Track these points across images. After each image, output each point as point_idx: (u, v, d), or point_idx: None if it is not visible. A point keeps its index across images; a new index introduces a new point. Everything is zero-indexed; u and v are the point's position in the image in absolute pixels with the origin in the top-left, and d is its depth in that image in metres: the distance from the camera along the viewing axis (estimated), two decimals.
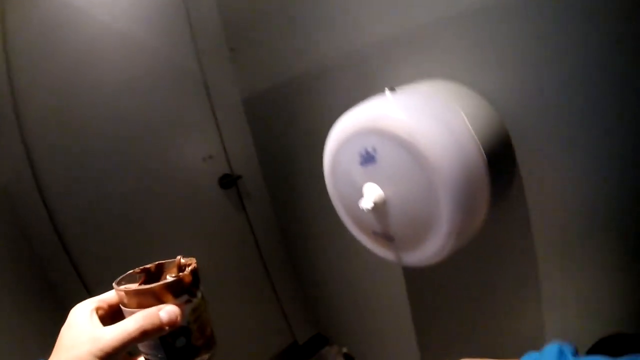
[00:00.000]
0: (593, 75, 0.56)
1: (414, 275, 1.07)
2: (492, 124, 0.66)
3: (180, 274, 0.42)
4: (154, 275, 0.47)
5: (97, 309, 0.42)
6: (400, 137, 0.54)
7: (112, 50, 1.42)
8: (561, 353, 0.41)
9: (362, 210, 0.59)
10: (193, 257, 0.46)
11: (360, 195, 0.61)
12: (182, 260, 0.46)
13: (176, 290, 0.41)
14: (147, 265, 0.46)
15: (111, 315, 0.44)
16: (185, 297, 0.42)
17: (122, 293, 0.41)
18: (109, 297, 0.44)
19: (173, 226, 1.54)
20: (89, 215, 1.39)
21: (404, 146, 0.54)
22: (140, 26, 1.47)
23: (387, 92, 0.63)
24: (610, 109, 0.55)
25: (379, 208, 0.60)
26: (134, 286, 0.44)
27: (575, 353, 0.42)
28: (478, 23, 0.66)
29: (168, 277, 0.43)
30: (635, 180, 0.56)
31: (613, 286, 0.65)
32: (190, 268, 0.43)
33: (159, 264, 0.47)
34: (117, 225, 1.44)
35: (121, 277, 0.44)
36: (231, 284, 1.68)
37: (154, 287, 0.40)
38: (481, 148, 0.59)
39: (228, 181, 1.61)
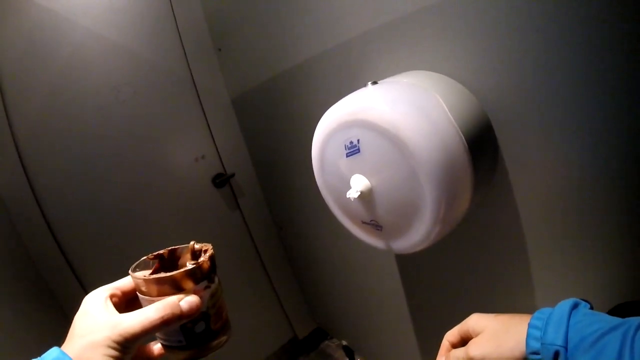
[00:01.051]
0: (574, 59, 0.57)
1: (407, 266, 1.09)
2: (472, 110, 0.68)
3: (200, 260, 0.43)
4: (167, 261, 0.47)
5: (112, 296, 0.43)
6: (381, 127, 0.55)
7: (100, 57, 1.43)
8: (575, 305, 0.42)
9: (350, 200, 0.61)
10: (208, 242, 0.46)
11: (348, 186, 0.63)
12: (197, 246, 0.46)
13: (196, 277, 0.41)
14: (160, 251, 0.47)
15: (125, 303, 0.45)
16: (204, 283, 0.42)
17: (141, 280, 0.41)
18: (123, 284, 0.45)
19: (168, 227, 1.56)
20: (84, 217, 1.41)
21: (386, 136, 0.56)
22: (127, 32, 1.48)
23: (369, 85, 0.65)
24: (593, 92, 0.56)
25: (366, 197, 0.61)
26: (147, 273, 0.45)
27: (591, 309, 0.42)
28: (457, 12, 0.68)
29: (188, 264, 0.43)
30: (619, 163, 0.58)
31: (601, 270, 0.66)
32: (208, 254, 0.44)
33: (172, 249, 0.47)
34: (111, 227, 1.45)
35: (135, 263, 0.45)
36: (229, 282, 1.70)
37: (175, 274, 0.40)
38: (461, 134, 0.60)
39: (221, 180, 1.63)
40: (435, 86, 0.66)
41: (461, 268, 0.92)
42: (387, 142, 0.56)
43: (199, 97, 1.60)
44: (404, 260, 1.09)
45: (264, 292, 1.86)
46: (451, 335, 0.52)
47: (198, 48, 1.59)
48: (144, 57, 1.50)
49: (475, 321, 0.49)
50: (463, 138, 0.60)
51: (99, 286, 0.44)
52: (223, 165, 1.66)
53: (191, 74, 1.58)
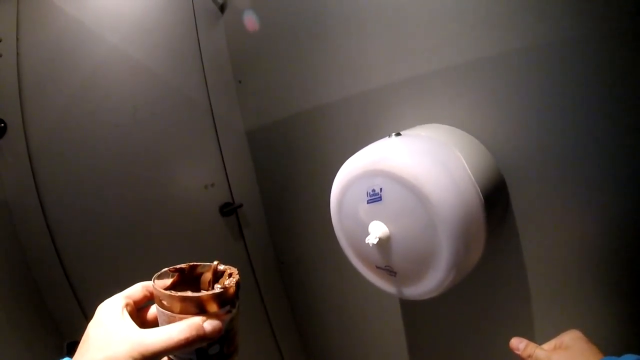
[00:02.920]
0: (584, 127, 0.62)
1: (411, 311, 1.10)
2: (488, 167, 0.71)
3: (227, 284, 0.43)
4: (187, 275, 0.47)
5: (126, 306, 0.42)
6: (405, 179, 0.58)
7: (122, 74, 1.47)
8: None
9: (367, 245, 0.63)
10: (234, 266, 0.47)
11: (365, 231, 0.65)
12: (220, 267, 0.47)
13: (221, 301, 0.42)
14: (182, 265, 0.47)
15: (136, 312, 0.44)
16: (227, 308, 0.42)
17: (166, 295, 0.41)
18: (135, 293, 0.45)
19: (171, 249, 1.56)
20: (88, 232, 1.41)
21: (409, 188, 0.58)
22: (151, 52, 1.52)
23: (393, 136, 0.68)
24: (604, 155, 0.61)
25: (383, 244, 0.64)
26: (166, 282, 0.45)
27: None
28: (478, 73, 0.72)
29: (216, 286, 0.44)
30: (627, 217, 0.61)
31: (608, 322, 0.68)
32: (235, 280, 0.44)
33: (193, 265, 0.47)
34: (115, 245, 1.45)
35: (156, 274, 0.45)
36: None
37: (202, 296, 0.41)
38: (478, 189, 0.63)
39: (229, 210, 1.64)
40: (455, 142, 0.70)
41: (464, 314, 0.93)
42: (410, 194, 0.59)
43: (215, 125, 1.64)
44: (409, 304, 1.09)
45: (259, 324, 1.84)
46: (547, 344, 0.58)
47: (219, 78, 1.64)
48: (165, 80, 1.54)
49: (572, 336, 0.55)
50: (480, 194, 0.63)
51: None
52: (232, 195, 1.68)
53: (210, 102, 1.62)
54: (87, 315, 1.36)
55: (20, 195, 1.29)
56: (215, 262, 0.47)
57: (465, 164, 0.64)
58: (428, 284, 0.65)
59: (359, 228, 0.68)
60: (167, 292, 0.41)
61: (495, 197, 0.71)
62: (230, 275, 0.45)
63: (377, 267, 0.70)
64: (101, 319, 0.40)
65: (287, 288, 1.85)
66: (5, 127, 1.27)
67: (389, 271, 0.68)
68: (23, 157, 1.30)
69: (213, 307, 0.41)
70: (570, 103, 0.62)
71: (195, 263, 0.48)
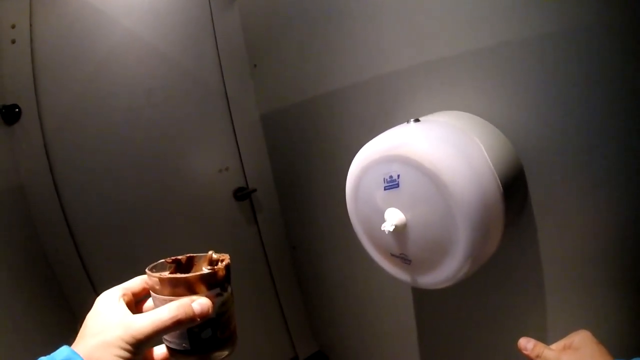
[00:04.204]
0: (606, 114, 0.59)
1: (423, 300, 1.09)
2: (508, 155, 0.70)
3: (216, 267, 0.44)
4: (184, 266, 0.48)
5: (123, 296, 0.43)
6: (423, 166, 0.57)
7: (137, 58, 1.47)
8: None
9: (383, 232, 0.62)
10: (226, 253, 0.47)
11: (381, 218, 0.65)
12: (214, 256, 0.47)
13: (210, 283, 0.42)
14: (179, 257, 0.48)
15: (135, 304, 0.46)
16: (217, 290, 0.43)
17: (156, 279, 0.42)
18: (133, 285, 0.46)
19: (185, 233, 1.58)
20: (102, 215, 1.43)
21: (427, 175, 0.57)
22: (166, 37, 1.52)
23: (412, 122, 0.67)
24: (625, 146, 0.59)
25: (399, 231, 0.63)
26: (165, 274, 0.46)
27: None
28: (499, 59, 0.70)
29: (204, 269, 0.45)
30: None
31: (622, 322, 0.67)
32: (224, 263, 0.45)
33: (189, 256, 0.49)
34: (129, 228, 1.47)
35: (153, 264, 0.46)
36: (237, 294, 1.69)
37: (189, 276, 0.42)
38: (498, 179, 0.62)
39: (243, 194, 1.65)
40: (475, 129, 0.68)
41: (475, 305, 0.93)
42: (428, 181, 0.58)
43: (229, 109, 1.63)
44: (420, 294, 1.09)
45: (270, 308, 1.86)
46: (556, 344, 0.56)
47: (234, 61, 1.64)
48: (180, 64, 1.54)
49: (582, 337, 0.54)
50: (499, 182, 0.62)
51: (107, 285, 0.45)
52: (246, 179, 1.69)
53: (224, 85, 1.62)
54: (96, 288, 1.41)
55: (35, 179, 1.31)
56: (210, 252, 0.48)
57: (485, 152, 0.63)
58: (443, 273, 0.64)
59: (374, 215, 0.67)
60: (157, 274, 0.42)
61: (514, 187, 0.69)
62: (222, 261, 0.46)
63: (392, 255, 0.69)
64: (98, 308, 0.42)
65: (298, 272, 1.86)
66: (20, 112, 1.28)
67: (404, 259, 0.68)
68: (38, 141, 1.31)
69: (202, 289, 0.42)
70: (592, 91, 0.60)
71: (191, 254, 0.49)
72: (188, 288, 0.41)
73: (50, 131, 1.33)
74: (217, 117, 1.64)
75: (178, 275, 0.43)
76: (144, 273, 0.45)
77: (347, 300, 1.49)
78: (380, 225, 0.63)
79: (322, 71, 1.18)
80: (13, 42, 1.28)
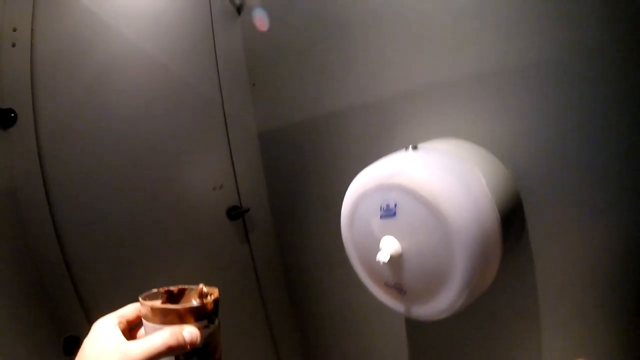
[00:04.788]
0: (603, 141, 0.59)
1: (417, 330, 1.07)
2: (506, 183, 0.69)
3: (205, 300, 0.47)
4: (175, 297, 0.51)
5: (119, 324, 0.46)
6: (422, 195, 0.56)
7: (136, 69, 1.46)
8: None
9: (378, 261, 0.61)
10: (215, 286, 0.50)
11: (377, 247, 0.63)
12: (205, 289, 0.50)
13: (198, 315, 0.45)
14: (171, 288, 0.51)
15: (128, 330, 0.48)
16: (204, 322, 0.46)
17: (149, 308, 0.45)
18: (127, 312, 0.49)
19: (176, 248, 1.54)
20: (94, 227, 1.39)
21: (425, 204, 0.56)
22: (166, 49, 1.51)
23: (410, 149, 0.66)
24: (619, 175, 0.59)
25: (395, 261, 0.61)
26: (157, 303, 0.48)
27: None
28: (497, 85, 0.71)
29: (193, 301, 0.49)
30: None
31: (618, 347, 0.66)
32: (213, 297, 0.48)
33: (182, 288, 0.51)
34: (119, 241, 1.43)
35: (146, 293, 0.49)
36: (226, 315, 1.66)
37: (180, 308, 0.45)
38: (496, 208, 0.61)
39: (236, 213, 1.63)
40: (473, 157, 0.67)
41: (472, 335, 0.91)
42: (426, 210, 0.56)
43: (226, 126, 1.62)
44: (414, 323, 1.06)
45: (260, 331, 1.81)
46: None
47: (233, 79, 1.63)
48: (179, 78, 1.53)
49: None
50: (497, 212, 0.61)
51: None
52: (240, 198, 1.67)
53: (223, 102, 1.61)
54: (87, 310, 1.35)
55: (27, 185, 1.28)
56: (201, 285, 0.50)
57: (484, 181, 0.62)
58: (439, 305, 0.62)
59: (370, 243, 0.65)
60: (150, 303, 0.45)
61: (512, 217, 0.68)
62: (210, 295, 0.49)
63: (387, 285, 0.68)
64: (95, 333, 0.44)
65: (290, 295, 1.83)
66: (15, 117, 1.25)
67: (399, 289, 0.66)
68: (32, 147, 1.28)
69: (190, 320, 0.45)
70: (592, 124, 0.60)
71: (183, 286, 0.51)
72: (178, 318, 0.44)
73: (45, 138, 1.30)
74: (214, 134, 1.62)
75: (170, 305, 0.46)
76: (137, 300, 0.48)
77: (341, 326, 1.46)
78: (375, 254, 0.62)
79: (321, 92, 1.18)
80: (13, 45, 1.27)
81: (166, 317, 0.44)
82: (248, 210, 1.65)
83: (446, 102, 0.80)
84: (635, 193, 0.58)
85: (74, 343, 1.31)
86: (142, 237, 1.48)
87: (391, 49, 0.90)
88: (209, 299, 0.47)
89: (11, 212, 1.25)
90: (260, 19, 1.48)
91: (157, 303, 0.48)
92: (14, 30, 1.27)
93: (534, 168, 0.69)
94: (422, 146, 0.70)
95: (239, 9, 1.63)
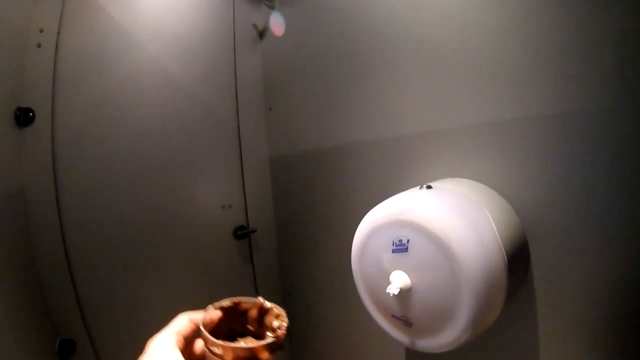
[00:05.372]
0: (612, 196, 0.62)
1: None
2: (514, 228, 0.72)
3: (277, 328, 0.47)
4: (231, 310, 0.50)
5: (177, 342, 0.44)
6: (434, 234, 0.59)
7: (156, 84, 1.49)
8: None
9: (386, 293, 0.63)
10: (276, 305, 0.50)
11: (386, 280, 0.65)
12: (267, 304, 0.49)
13: (273, 348, 0.45)
14: (226, 303, 0.50)
15: (184, 347, 0.46)
16: (278, 353, 0.45)
17: (219, 344, 0.43)
18: (183, 328, 0.47)
19: (179, 262, 1.55)
20: (101, 235, 1.40)
21: (437, 243, 0.59)
22: (187, 68, 1.56)
23: (424, 188, 0.69)
24: (629, 227, 0.62)
25: (403, 295, 0.64)
26: (213, 315, 0.47)
27: None
28: (513, 132, 0.74)
29: (268, 334, 0.47)
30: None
31: None
32: (285, 326, 0.47)
33: (236, 302, 0.50)
34: (124, 248, 1.44)
35: (202, 317, 0.47)
36: None
37: (256, 347, 0.43)
38: (504, 252, 0.64)
39: (242, 233, 1.65)
40: (485, 200, 0.70)
41: None
42: (437, 249, 0.59)
43: (240, 147, 1.66)
44: (414, 356, 1.07)
45: None
46: None
47: (250, 102, 1.68)
48: (197, 97, 1.57)
49: None
50: (505, 256, 0.63)
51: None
52: (247, 219, 1.69)
53: (238, 124, 1.65)
54: (84, 316, 1.35)
55: (37, 187, 1.29)
56: (260, 299, 0.50)
57: (494, 225, 0.65)
58: (443, 339, 0.64)
59: (379, 275, 0.68)
60: (221, 342, 0.43)
61: (518, 260, 0.71)
62: (277, 316, 0.48)
63: (393, 317, 0.70)
64: (153, 354, 0.42)
65: (290, 321, 1.82)
66: (33, 117, 1.27)
67: (405, 322, 0.68)
68: (47, 149, 1.30)
69: (265, 355, 0.44)
70: (601, 174, 0.63)
71: (238, 299, 0.50)
72: (251, 355, 0.43)
73: (60, 140, 1.32)
74: (228, 154, 1.66)
75: (243, 345, 0.44)
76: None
77: (341, 354, 1.45)
78: (384, 286, 0.64)
79: (336, 124, 1.22)
80: (39, 45, 1.29)
81: (238, 355, 0.43)
82: (255, 231, 1.67)
83: (461, 146, 0.83)
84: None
85: (69, 346, 1.31)
86: (147, 247, 1.49)
87: (411, 89, 0.94)
88: (282, 326, 0.47)
89: (18, 211, 1.25)
90: (277, 24, 1.53)
91: (215, 315, 0.47)
92: (41, 31, 1.30)
93: (542, 216, 0.72)
94: (435, 185, 0.73)
95: (261, 35, 1.70)
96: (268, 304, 0.49)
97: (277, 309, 0.49)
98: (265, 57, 1.68)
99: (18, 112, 1.25)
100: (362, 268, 0.73)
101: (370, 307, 0.75)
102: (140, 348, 0.45)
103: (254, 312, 0.49)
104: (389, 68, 1.00)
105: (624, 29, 0.60)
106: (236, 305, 0.50)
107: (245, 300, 0.50)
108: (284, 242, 1.72)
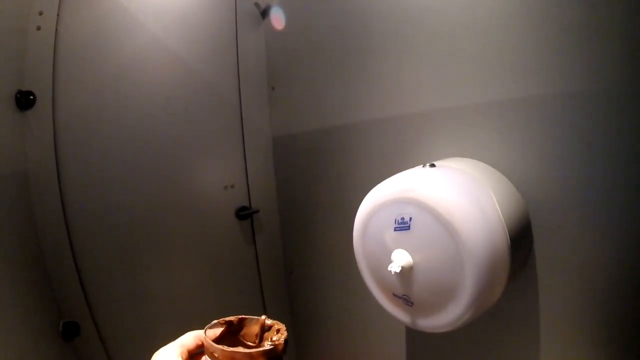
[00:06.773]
0: (622, 176, 0.61)
1: (417, 342, 1.08)
2: (518, 208, 0.71)
3: (275, 340, 0.47)
4: (235, 326, 0.51)
5: (181, 354, 0.46)
6: (438, 212, 0.58)
7: (158, 64, 1.48)
8: None
9: (388, 271, 0.63)
10: (279, 322, 0.50)
11: (388, 258, 0.65)
12: (268, 322, 0.50)
13: (270, 357, 0.45)
14: (231, 318, 0.51)
15: None
16: None
17: (219, 350, 0.44)
18: (188, 343, 0.48)
19: (182, 243, 1.57)
20: (103, 216, 1.41)
21: (440, 220, 0.58)
22: (189, 48, 1.54)
23: (427, 166, 0.68)
24: (634, 206, 0.61)
25: (405, 273, 0.63)
26: (217, 331, 0.49)
27: None
28: (517, 112, 0.73)
29: (266, 343, 0.48)
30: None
31: None
32: (284, 338, 0.47)
33: (242, 318, 0.52)
34: (127, 230, 1.46)
35: (208, 325, 0.49)
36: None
37: (253, 352, 0.44)
38: (507, 231, 0.63)
39: (245, 214, 1.65)
40: (489, 179, 0.70)
41: (471, 351, 0.92)
42: (440, 226, 0.58)
43: (242, 127, 1.65)
44: (415, 335, 1.08)
45: None
46: None
47: (252, 81, 1.66)
48: (200, 77, 1.56)
49: None
50: (508, 235, 0.63)
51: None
52: (250, 199, 1.69)
53: (241, 103, 1.64)
54: (88, 298, 1.37)
55: (39, 169, 1.29)
56: (263, 317, 0.51)
57: (497, 204, 0.64)
58: (445, 318, 0.64)
59: (381, 254, 0.67)
60: (220, 346, 0.44)
61: (520, 240, 0.70)
62: (277, 331, 0.49)
63: (395, 295, 0.69)
64: None
65: (292, 299, 1.84)
66: (34, 100, 1.27)
67: (406, 300, 0.68)
68: (48, 132, 1.30)
69: None
70: (606, 153, 0.62)
71: (243, 316, 0.52)
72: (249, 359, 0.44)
73: (61, 124, 1.32)
74: (230, 133, 1.65)
75: (242, 350, 0.45)
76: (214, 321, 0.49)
77: (341, 332, 1.47)
78: (386, 265, 0.64)
79: (340, 103, 1.20)
80: (38, 28, 1.28)
81: (237, 358, 0.44)
82: (257, 211, 1.67)
83: (466, 125, 0.82)
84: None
85: (73, 328, 1.33)
86: (150, 229, 1.50)
87: (415, 68, 0.92)
88: (280, 338, 0.47)
89: (21, 194, 1.26)
90: (277, 17, 1.51)
91: (218, 332, 0.49)
92: (40, 13, 1.28)
93: (546, 196, 0.71)
94: (439, 164, 0.72)
95: (264, 13, 1.67)
96: (269, 321, 0.50)
97: (278, 325, 0.50)
98: (268, 36, 1.65)
99: (19, 96, 1.25)
100: (364, 246, 0.73)
101: (371, 285, 0.75)
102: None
103: (255, 329, 0.51)
104: (394, 46, 0.98)
105: (632, 9, 0.58)
106: (240, 321, 0.52)
107: (250, 318, 0.52)
108: (287, 222, 1.73)
